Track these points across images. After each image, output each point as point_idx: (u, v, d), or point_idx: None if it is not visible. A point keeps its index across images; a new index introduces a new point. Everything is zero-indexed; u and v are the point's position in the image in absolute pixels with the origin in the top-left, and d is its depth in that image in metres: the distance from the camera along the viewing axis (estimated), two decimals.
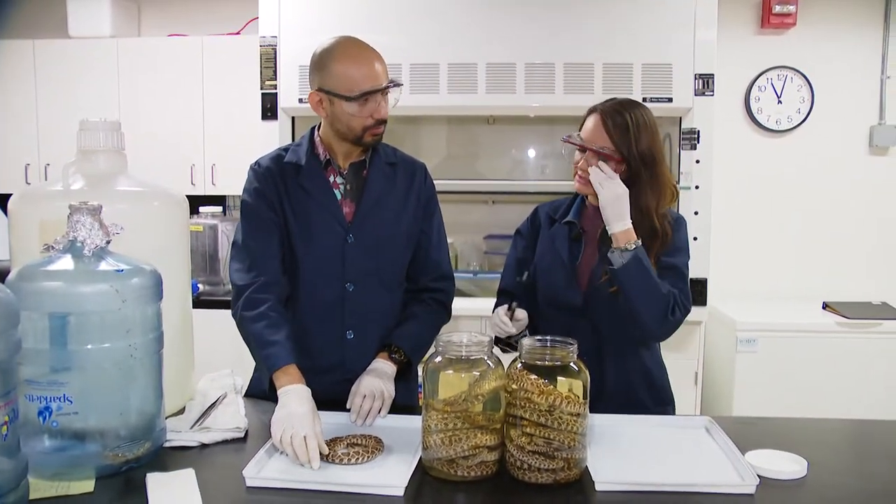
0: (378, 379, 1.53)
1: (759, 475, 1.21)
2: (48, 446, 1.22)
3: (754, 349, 3.03)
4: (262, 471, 1.26)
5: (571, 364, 1.25)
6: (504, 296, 1.78)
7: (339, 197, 1.64)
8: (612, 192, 1.55)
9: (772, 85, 3.47)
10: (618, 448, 1.38)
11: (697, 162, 2.86)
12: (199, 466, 1.28)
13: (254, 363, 1.61)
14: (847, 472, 1.32)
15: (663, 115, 2.71)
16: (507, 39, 2.86)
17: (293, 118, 2.97)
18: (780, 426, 1.56)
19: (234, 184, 3.27)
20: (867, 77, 3.46)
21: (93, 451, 1.23)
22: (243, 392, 1.69)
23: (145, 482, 1.21)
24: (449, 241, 1.81)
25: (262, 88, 2.93)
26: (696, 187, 2.86)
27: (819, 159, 3.50)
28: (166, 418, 1.41)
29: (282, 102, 2.92)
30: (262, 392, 1.59)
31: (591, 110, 1.64)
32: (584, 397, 1.24)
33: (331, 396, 1.49)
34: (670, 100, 2.82)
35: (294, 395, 1.39)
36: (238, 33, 3.58)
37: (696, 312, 2.40)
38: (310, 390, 1.42)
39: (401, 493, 1.18)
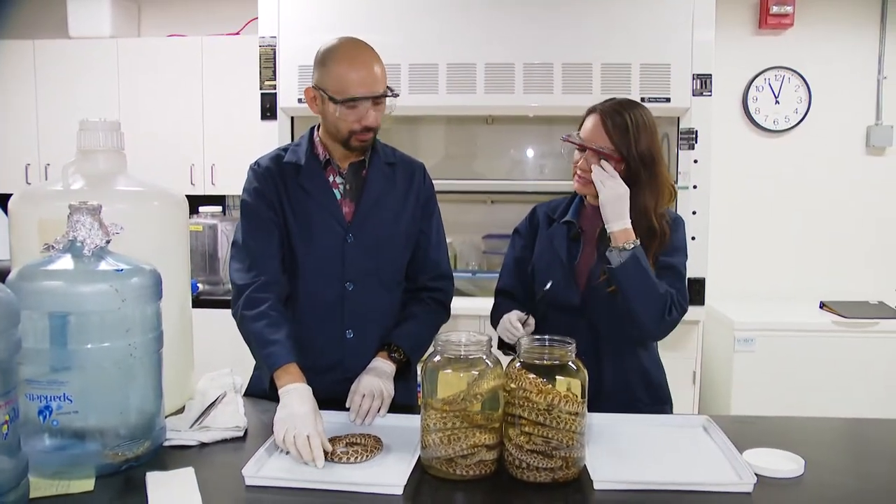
0: (378, 378, 1.54)
1: (756, 474, 1.22)
2: (48, 445, 1.22)
3: (752, 348, 3.04)
4: (262, 469, 1.26)
5: (570, 363, 1.25)
6: (502, 296, 1.79)
7: (338, 197, 1.64)
8: (613, 192, 1.55)
9: (769, 85, 3.48)
10: (616, 447, 1.39)
11: (695, 162, 2.87)
12: (198, 465, 1.28)
13: (253, 362, 1.62)
14: (844, 471, 1.32)
15: (661, 115, 2.71)
16: (506, 39, 2.86)
17: (292, 118, 2.97)
18: (777, 425, 1.56)
19: (233, 184, 3.27)
20: (864, 77, 3.47)
21: (93, 450, 1.23)
22: (243, 391, 1.69)
23: (145, 481, 1.21)
24: (448, 240, 1.81)
25: (261, 88, 2.94)
26: (694, 187, 2.87)
27: (816, 159, 3.51)
28: (166, 417, 1.41)
29: (281, 102, 2.92)
30: (262, 391, 1.59)
31: (591, 110, 1.65)
32: (583, 396, 1.24)
33: (330, 395, 1.50)
34: (668, 100, 2.83)
35: (295, 394, 1.40)
36: (237, 33, 3.58)
37: (693, 312, 2.41)
38: (311, 389, 1.43)
39: (399, 491, 1.19)
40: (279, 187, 1.62)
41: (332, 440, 1.35)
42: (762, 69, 3.47)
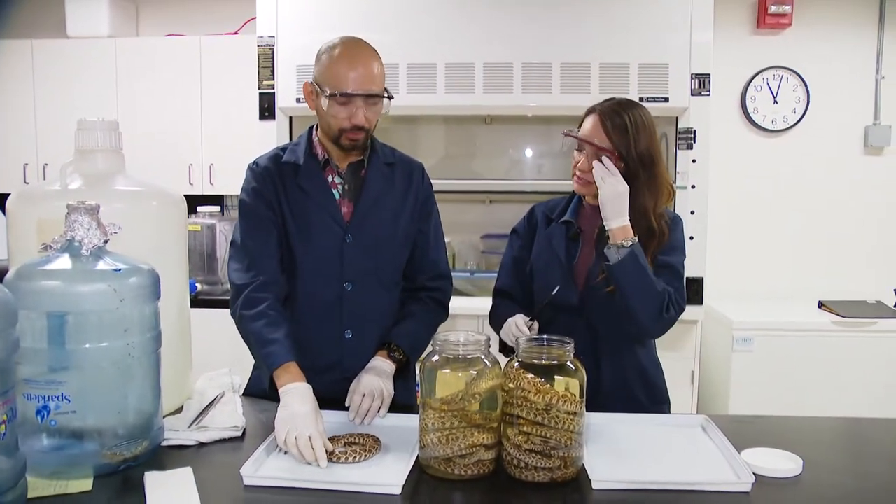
0: (377, 377, 1.53)
1: (754, 473, 1.22)
2: (46, 445, 1.22)
3: (750, 348, 3.04)
4: (260, 469, 1.26)
5: (568, 363, 1.25)
6: (500, 296, 1.79)
7: (337, 197, 1.64)
8: (613, 189, 1.55)
9: (768, 85, 3.48)
10: (614, 446, 1.39)
11: (694, 161, 2.87)
12: (196, 465, 1.28)
13: (252, 362, 1.61)
14: (842, 470, 1.33)
15: (660, 115, 2.71)
16: (505, 39, 2.86)
17: (291, 118, 2.97)
18: (775, 424, 1.57)
19: (231, 183, 3.28)
20: (862, 77, 3.47)
21: (91, 449, 1.23)
22: (241, 391, 1.69)
23: (143, 481, 1.21)
24: (446, 240, 1.81)
25: (259, 88, 2.94)
26: (693, 187, 2.88)
27: (814, 159, 3.52)
28: (164, 417, 1.42)
29: (279, 102, 2.92)
30: (261, 391, 1.59)
31: (590, 111, 1.64)
32: (581, 396, 1.24)
33: (329, 395, 1.49)
34: (667, 99, 2.83)
35: (296, 394, 1.39)
36: (236, 33, 3.58)
37: (692, 311, 2.41)
38: (311, 388, 1.42)
39: (398, 491, 1.19)
40: (278, 187, 1.62)
41: (331, 440, 1.35)
42: (760, 69, 3.47)
